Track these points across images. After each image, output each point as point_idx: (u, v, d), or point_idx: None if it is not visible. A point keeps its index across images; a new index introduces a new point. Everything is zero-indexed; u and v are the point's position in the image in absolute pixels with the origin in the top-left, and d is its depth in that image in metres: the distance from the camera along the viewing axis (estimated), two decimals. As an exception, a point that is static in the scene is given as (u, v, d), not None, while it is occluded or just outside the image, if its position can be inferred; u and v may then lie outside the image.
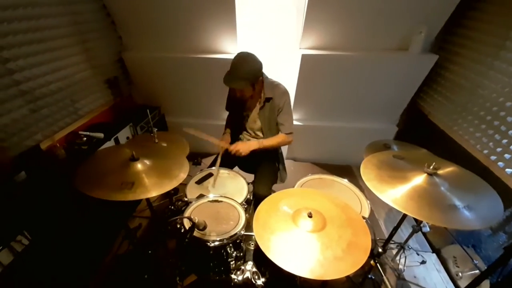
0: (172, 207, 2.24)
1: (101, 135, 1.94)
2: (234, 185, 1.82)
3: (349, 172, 3.17)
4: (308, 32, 2.41)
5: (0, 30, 1.66)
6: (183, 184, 1.80)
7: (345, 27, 2.36)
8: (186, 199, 1.61)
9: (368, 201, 1.68)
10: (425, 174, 1.29)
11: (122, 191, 1.16)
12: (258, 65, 1.74)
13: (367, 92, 2.72)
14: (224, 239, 1.32)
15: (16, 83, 1.79)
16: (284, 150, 3.20)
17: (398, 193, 1.24)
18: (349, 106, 2.87)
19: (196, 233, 1.30)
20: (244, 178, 1.88)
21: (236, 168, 2.14)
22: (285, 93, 1.89)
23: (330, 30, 2.39)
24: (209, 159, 2.10)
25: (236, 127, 2.12)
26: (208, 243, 1.28)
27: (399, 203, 1.19)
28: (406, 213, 1.14)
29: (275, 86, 1.88)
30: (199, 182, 1.83)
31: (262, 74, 1.80)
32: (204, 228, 1.24)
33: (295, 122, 2.94)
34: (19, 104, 1.83)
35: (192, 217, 1.15)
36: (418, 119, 2.81)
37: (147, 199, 1.55)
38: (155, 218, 1.85)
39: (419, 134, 2.76)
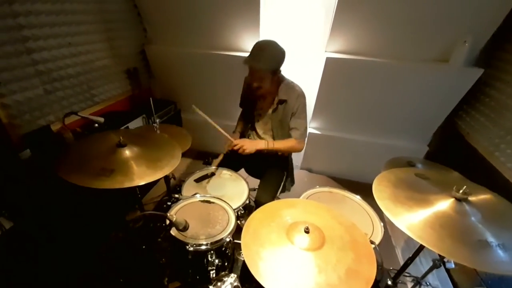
0: (170, 203, 2.16)
1: (101, 119, 1.90)
2: (234, 188, 1.70)
3: (369, 191, 2.90)
4: (335, 35, 2.25)
5: (22, 9, 1.68)
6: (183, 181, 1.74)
7: (377, 32, 2.17)
8: (177, 196, 1.51)
9: (382, 224, 1.46)
10: (453, 199, 1.07)
11: (99, 178, 1.07)
12: (282, 53, 1.62)
13: (396, 105, 2.47)
14: (207, 243, 1.18)
15: (34, 62, 1.80)
16: (299, 159, 3.01)
17: (416, 218, 1.04)
18: (374, 118, 2.62)
19: (178, 234, 1.18)
20: (247, 183, 1.74)
21: (243, 171, 2.01)
22: (301, 96, 1.74)
23: (360, 33, 2.21)
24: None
25: (246, 126, 2.00)
26: (187, 247, 1.15)
27: (414, 230, 0.98)
28: (421, 243, 0.93)
29: (291, 87, 1.74)
30: (198, 180, 1.74)
31: (282, 64, 1.65)
32: (185, 228, 1.11)
33: (312, 130, 2.78)
34: (35, 83, 1.84)
35: (169, 215, 1.03)
36: (454, 140, 2.49)
37: (138, 193, 1.47)
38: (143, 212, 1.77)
39: (453, 157, 2.43)
